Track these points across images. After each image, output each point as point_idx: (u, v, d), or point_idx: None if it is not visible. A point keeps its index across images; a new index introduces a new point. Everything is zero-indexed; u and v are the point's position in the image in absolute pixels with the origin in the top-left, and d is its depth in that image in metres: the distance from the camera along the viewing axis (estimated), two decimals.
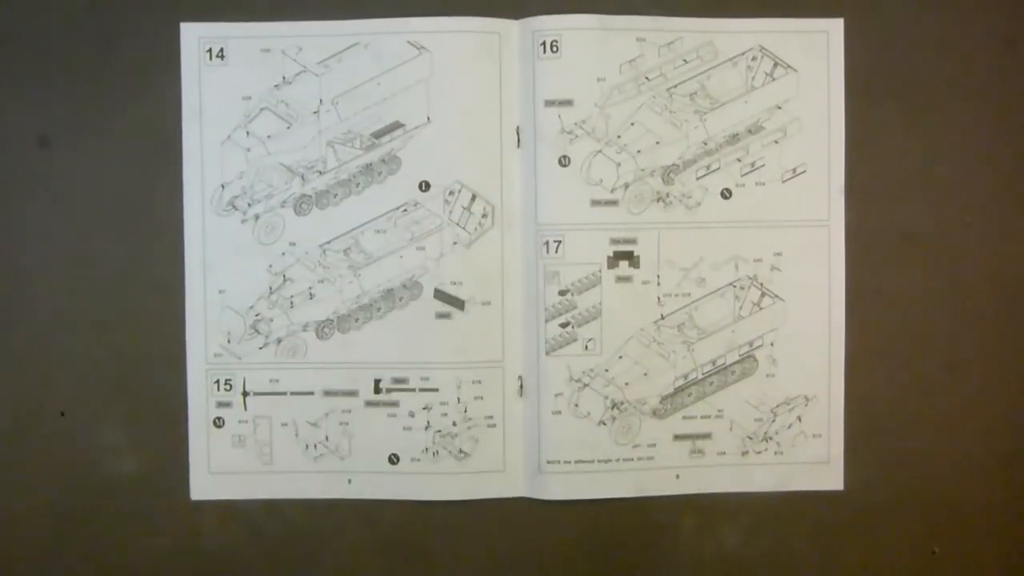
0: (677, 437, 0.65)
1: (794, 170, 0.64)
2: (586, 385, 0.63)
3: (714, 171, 0.64)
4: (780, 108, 0.64)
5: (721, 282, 0.64)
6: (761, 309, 0.65)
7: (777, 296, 0.65)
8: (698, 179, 0.64)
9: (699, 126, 0.64)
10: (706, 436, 0.65)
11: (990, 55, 0.63)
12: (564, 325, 0.63)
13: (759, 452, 0.65)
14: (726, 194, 0.64)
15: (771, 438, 0.65)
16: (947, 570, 0.64)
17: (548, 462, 0.63)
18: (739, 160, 0.64)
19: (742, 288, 0.65)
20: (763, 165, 0.64)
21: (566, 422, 0.63)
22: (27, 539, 0.63)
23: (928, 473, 0.64)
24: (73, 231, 0.63)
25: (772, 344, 0.65)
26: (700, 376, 0.65)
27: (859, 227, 0.63)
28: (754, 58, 0.64)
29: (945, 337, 0.64)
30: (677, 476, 0.64)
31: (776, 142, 0.64)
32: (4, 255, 0.63)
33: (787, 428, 0.65)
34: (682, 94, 0.64)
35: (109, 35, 0.63)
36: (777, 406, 0.65)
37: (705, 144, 0.64)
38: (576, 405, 0.63)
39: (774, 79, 0.64)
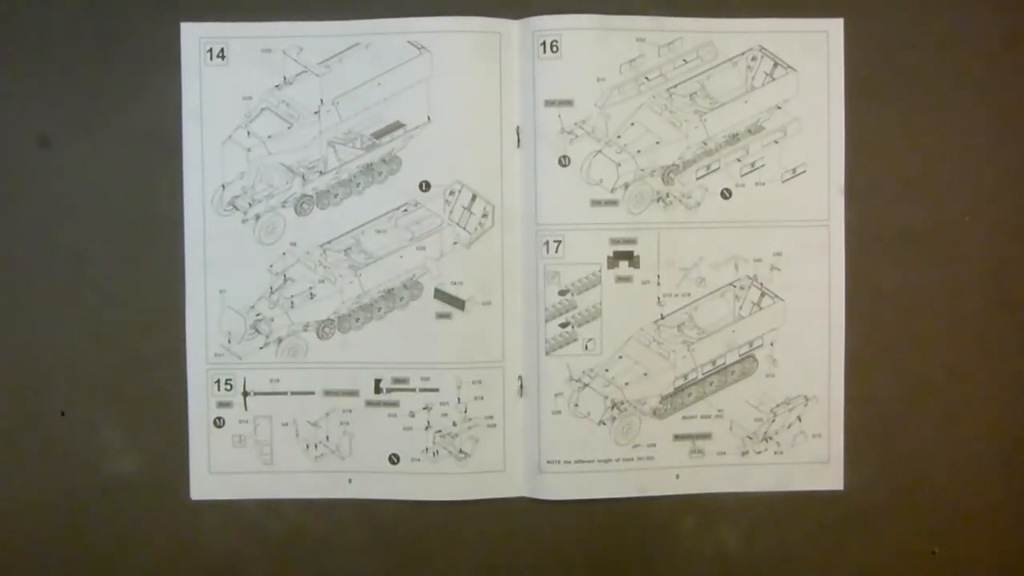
0: (677, 437, 0.64)
1: (794, 170, 0.64)
2: (586, 385, 0.63)
3: (714, 171, 0.64)
4: (780, 108, 0.64)
5: (721, 282, 0.64)
6: (761, 309, 0.64)
7: (777, 296, 0.64)
8: (698, 179, 0.64)
9: (699, 126, 0.63)
10: (706, 436, 0.64)
11: (990, 55, 0.63)
12: (564, 325, 0.63)
13: (759, 452, 0.64)
14: (726, 194, 0.64)
15: (771, 438, 0.65)
16: (947, 570, 0.64)
17: (548, 462, 0.63)
18: (739, 160, 0.64)
19: (742, 288, 0.64)
20: (763, 165, 0.64)
21: (566, 422, 0.63)
22: (27, 539, 0.63)
23: (928, 473, 0.64)
24: (73, 231, 0.63)
25: (772, 344, 0.65)
26: (700, 376, 0.64)
27: (859, 227, 0.63)
28: (754, 58, 0.64)
29: (945, 337, 0.64)
30: (677, 476, 0.64)
31: (776, 142, 0.64)
32: (4, 255, 0.63)
33: (787, 428, 0.65)
34: (682, 94, 0.63)
35: (109, 35, 0.63)
36: (777, 406, 0.65)
37: (705, 144, 0.63)
38: (576, 405, 0.63)
39: (774, 79, 0.64)
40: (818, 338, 0.64)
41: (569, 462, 0.63)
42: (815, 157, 0.64)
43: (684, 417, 0.64)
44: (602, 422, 0.63)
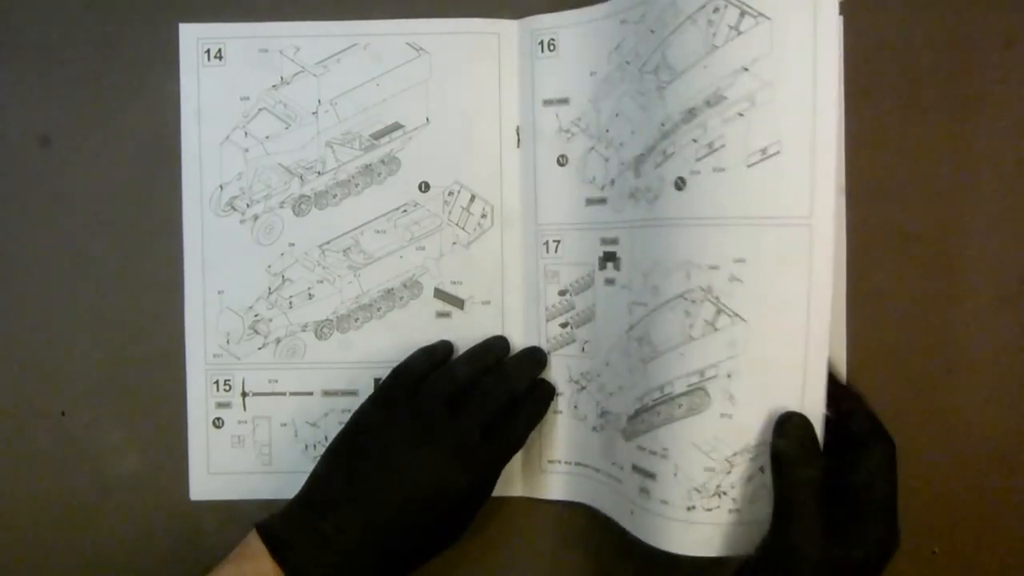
0: (635, 468, 0.56)
1: (763, 151, 0.49)
2: (583, 388, 0.62)
3: (670, 156, 0.52)
4: (747, 70, 0.49)
5: (671, 293, 0.52)
6: (716, 330, 0.51)
7: (737, 315, 0.50)
8: (655, 168, 0.53)
9: (660, 105, 0.52)
10: (651, 476, 0.54)
11: (990, 55, 0.63)
12: (564, 325, 0.62)
13: (709, 510, 0.52)
14: (679, 184, 0.51)
15: (725, 493, 0.51)
16: (947, 570, 0.64)
17: (548, 462, 0.63)
18: (695, 141, 0.51)
19: (693, 302, 0.51)
20: (722, 146, 0.50)
21: (566, 422, 0.63)
22: (27, 539, 0.64)
23: (928, 473, 0.63)
24: (73, 231, 0.63)
25: (729, 376, 0.51)
26: (651, 403, 0.54)
27: (859, 227, 0.63)
28: (715, 9, 0.50)
29: (945, 337, 0.63)
30: (632, 512, 0.56)
31: (740, 114, 0.49)
32: (4, 255, 0.63)
33: (747, 481, 0.51)
34: (648, 71, 0.54)
35: (109, 35, 0.63)
36: (734, 455, 0.51)
37: (663, 125, 0.52)
38: (575, 407, 0.62)
39: (740, 32, 0.49)
40: (792, 370, 0.50)
41: (569, 463, 0.63)
42: (793, 134, 0.49)
43: (639, 447, 0.55)
44: (595, 428, 0.61)
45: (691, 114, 0.51)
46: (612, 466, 0.59)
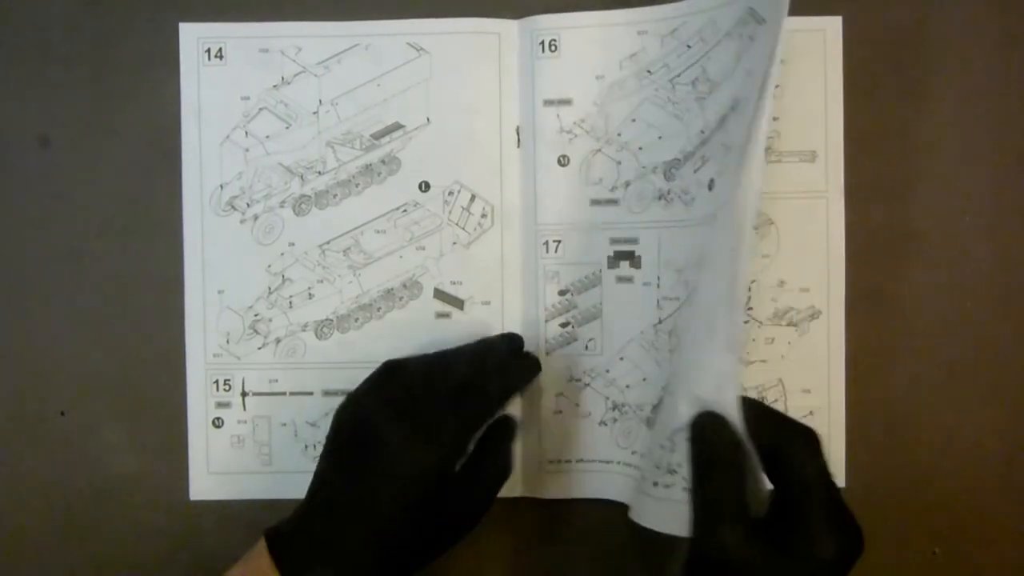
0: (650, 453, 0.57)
1: (731, 145, 0.54)
2: (587, 385, 0.63)
3: (708, 161, 0.58)
4: (750, 74, 0.53)
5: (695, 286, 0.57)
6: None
7: (675, 299, 0.55)
8: (695, 172, 0.59)
9: (698, 114, 0.59)
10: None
11: (990, 55, 0.63)
12: (564, 325, 0.63)
13: (667, 486, 0.50)
14: (711, 185, 0.57)
15: (675, 471, 0.50)
16: (947, 570, 0.64)
17: (549, 462, 0.63)
18: (724, 145, 0.56)
19: (696, 290, 0.56)
20: (731, 146, 0.55)
21: (567, 421, 0.63)
22: (27, 539, 0.64)
23: (928, 474, 0.63)
24: (73, 231, 0.63)
25: (675, 351, 0.56)
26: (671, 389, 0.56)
27: (859, 227, 0.63)
28: (745, 24, 0.56)
29: (945, 337, 0.63)
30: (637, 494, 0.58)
31: (739, 114, 0.54)
32: (4, 255, 0.63)
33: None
34: (684, 82, 0.60)
35: (109, 35, 0.63)
36: (674, 432, 0.49)
37: (702, 133, 0.58)
38: (577, 405, 0.63)
39: (752, 40, 0.54)
40: (709, 345, 0.48)
41: (570, 461, 0.63)
42: (743, 123, 0.51)
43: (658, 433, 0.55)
44: (603, 423, 0.62)
45: (723, 121, 0.55)
46: (632, 455, 0.61)
